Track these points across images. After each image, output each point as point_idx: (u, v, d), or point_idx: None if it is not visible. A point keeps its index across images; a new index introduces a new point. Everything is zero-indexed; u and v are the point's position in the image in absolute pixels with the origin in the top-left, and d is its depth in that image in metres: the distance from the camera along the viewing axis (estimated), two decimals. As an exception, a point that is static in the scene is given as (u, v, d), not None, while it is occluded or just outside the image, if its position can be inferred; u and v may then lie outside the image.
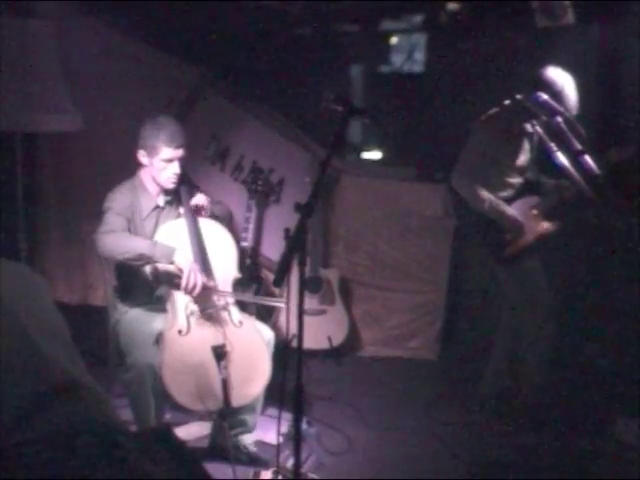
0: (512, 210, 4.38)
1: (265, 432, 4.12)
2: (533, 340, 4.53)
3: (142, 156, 3.86)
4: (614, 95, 4.96)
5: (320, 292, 5.47)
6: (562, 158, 3.91)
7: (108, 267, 4.02)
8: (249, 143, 5.61)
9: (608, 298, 5.12)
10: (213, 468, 3.47)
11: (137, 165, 3.93)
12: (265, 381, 3.73)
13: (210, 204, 4.00)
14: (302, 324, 2.86)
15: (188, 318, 3.64)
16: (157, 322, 3.80)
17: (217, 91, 5.57)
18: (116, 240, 3.65)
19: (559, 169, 3.96)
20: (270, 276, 5.51)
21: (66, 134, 5.07)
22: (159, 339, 3.65)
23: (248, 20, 5.54)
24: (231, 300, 3.81)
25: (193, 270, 3.59)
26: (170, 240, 3.76)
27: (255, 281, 5.31)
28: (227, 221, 4.17)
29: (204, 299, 3.71)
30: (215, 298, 3.74)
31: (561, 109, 3.99)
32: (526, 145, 4.37)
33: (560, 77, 4.15)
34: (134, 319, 3.85)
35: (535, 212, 4.41)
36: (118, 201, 3.83)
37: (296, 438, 2.96)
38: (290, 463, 3.67)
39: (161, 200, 3.95)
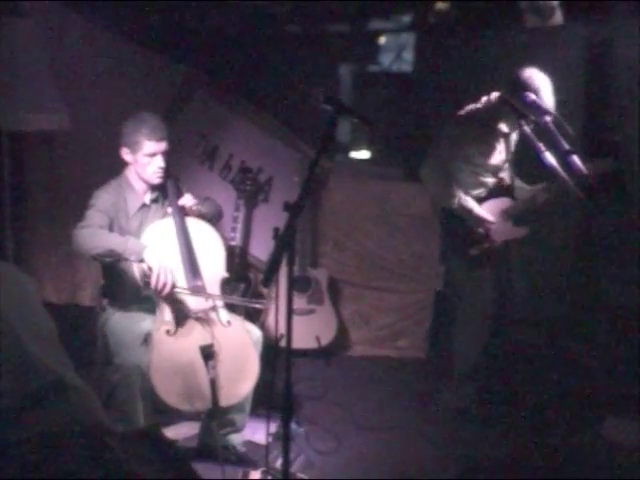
0: (481, 209, 4.39)
1: (254, 432, 4.11)
2: (462, 342, 4.62)
3: (125, 154, 3.86)
4: (602, 95, 4.97)
5: (309, 292, 5.47)
6: (550, 158, 3.91)
7: (96, 267, 4.01)
8: (238, 142, 5.60)
9: (596, 297, 5.13)
10: (202, 468, 3.46)
11: (123, 164, 3.92)
12: (254, 381, 3.72)
13: (197, 205, 3.98)
14: (291, 324, 2.86)
15: (176, 318, 3.63)
16: (145, 322, 3.79)
17: (206, 91, 5.56)
18: (89, 236, 3.64)
19: (547, 169, 3.96)
20: (259, 276, 5.51)
21: (54, 133, 5.05)
22: (147, 339, 3.65)
23: (237, 19, 5.53)
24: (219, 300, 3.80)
25: (163, 269, 3.57)
26: (158, 239, 3.75)
27: (243, 281, 5.30)
28: (217, 218, 4.16)
29: (192, 299, 3.71)
30: (203, 298, 3.73)
31: (549, 109, 4.00)
32: (501, 145, 4.37)
33: (537, 77, 4.15)
34: (122, 319, 3.84)
35: (506, 215, 4.41)
36: (101, 199, 3.82)
37: (285, 438, 2.95)
38: (279, 463, 3.66)
39: (147, 198, 3.95)
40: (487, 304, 4.51)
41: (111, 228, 3.80)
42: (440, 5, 5.83)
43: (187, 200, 3.94)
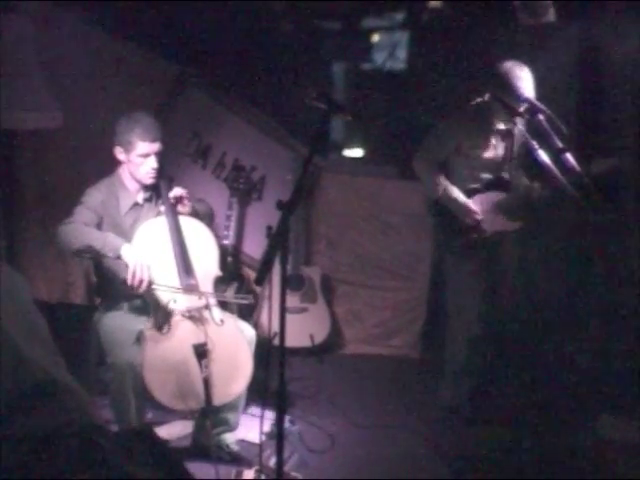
0: (467, 200, 4.40)
1: (247, 431, 4.10)
2: (451, 337, 4.65)
3: (119, 153, 3.85)
4: (595, 93, 4.97)
5: (302, 290, 5.47)
6: (544, 156, 3.92)
7: (88, 265, 4.00)
8: (231, 141, 5.60)
9: (589, 296, 5.13)
10: (195, 467, 3.46)
11: (116, 163, 3.91)
12: (247, 379, 3.72)
13: (189, 195, 3.97)
14: (284, 322, 2.85)
15: (169, 317, 3.62)
16: (138, 321, 3.79)
17: (199, 89, 5.55)
18: (71, 231, 3.64)
19: (541, 167, 3.96)
20: (252, 274, 5.50)
21: (46, 132, 5.02)
22: (140, 338, 3.64)
23: (230, 17, 5.52)
24: (212, 299, 3.80)
25: (139, 266, 3.56)
26: (150, 238, 3.75)
27: (236, 279, 5.30)
28: (209, 219, 4.15)
29: (185, 297, 3.70)
30: (196, 296, 3.73)
31: (543, 107, 4.00)
32: (497, 141, 4.37)
33: (516, 69, 4.17)
34: (115, 318, 3.83)
35: (498, 208, 4.42)
36: (91, 197, 3.83)
37: (278, 437, 2.95)
38: (272, 462, 3.66)
39: (140, 197, 3.94)
40: (476, 298, 4.51)
41: (101, 226, 3.80)
42: (433, 3, 5.82)
43: (178, 191, 3.92)
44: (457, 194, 4.38)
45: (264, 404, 3.31)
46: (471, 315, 4.51)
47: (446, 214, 4.45)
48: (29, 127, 4.70)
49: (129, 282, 3.56)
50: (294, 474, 3.77)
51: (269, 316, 3.23)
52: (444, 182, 4.39)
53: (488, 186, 4.43)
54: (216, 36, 5.54)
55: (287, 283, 2.97)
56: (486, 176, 4.43)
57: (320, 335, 5.46)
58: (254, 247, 5.55)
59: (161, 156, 3.87)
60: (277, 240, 2.85)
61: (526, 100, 4.05)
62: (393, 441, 4.31)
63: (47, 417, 2.57)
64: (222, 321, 3.74)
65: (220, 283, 4.04)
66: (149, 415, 4.01)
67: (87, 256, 3.68)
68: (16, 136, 5.32)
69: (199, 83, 5.55)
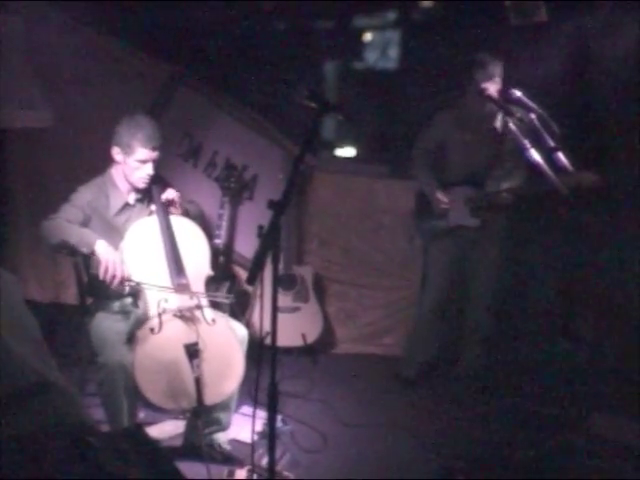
0: (441, 193, 4.70)
1: (239, 430, 4.10)
2: (418, 306, 5.16)
3: (116, 153, 3.84)
4: (586, 92, 4.98)
5: (294, 289, 5.46)
6: (536, 155, 3.92)
7: (79, 265, 3.98)
8: (222, 140, 5.59)
9: (583, 294, 5.14)
10: (187, 467, 3.45)
11: (109, 162, 3.91)
12: (239, 379, 3.72)
13: (180, 198, 3.98)
14: (276, 321, 2.85)
15: (160, 316, 3.61)
16: (129, 320, 3.79)
17: (190, 87, 5.54)
18: (52, 227, 3.67)
19: (532, 166, 3.97)
20: (243, 273, 5.50)
21: (36, 131, 5.02)
22: (131, 338, 3.63)
23: (221, 16, 5.51)
24: (203, 297, 3.79)
25: (111, 261, 3.57)
26: (142, 237, 3.75)
27: (228, 278, 5.29)
28: (199, 220, 4.15)
29: (177, 297, 3.70)
30: (188, 296, 3.72)
31: (534, 106, 4.00)
32: (480, 139, 4.61)
33: (489, 62, 4.50)
34: (106, 317, 3.82)
35: (465, 203, 4.67)
36: (80, 194, 3.85)
37: (270, 436, 2.95)
38: (265, 461, 3.65)
39: (131, 198, 3.94)
40: (439, 280, 4.96)
41: (88, 225, 3.80)
42: (425, 3, 5.81)
43: (170, 193, 3.93)
44: (434, 187, 4.74)
45: (256, 403, 3.29)
46: (433, 292, 4.99)
47: (423, 201, 4.82)
48: (19, 126, 4.70)
49: (101, 277, 3.57)
50: (286, 473, 3.77)
51: (261, 315, 3.22)
52: (426, 175, 4.81)
53: (464, 180, 4.67)
54: (208, 35, 5.53)
55: (279, 282, 2.97)
56: (464, 171, 4.68)
57: (312, 334, 5.46)
58: (246, 246, 5.55)
59: (157, 163, 3.87)
60: (269, 239, 2.84)
61: (519, 99, 4.05)
62: (385, 440, 4.31)
63: (38, 417, 2.56)
64: (214, 320, 3.73)
65: (212, 282, 4.03)
66: (141, 415, 4.00)
67: (64, 252, 3.69)
68: (6, 136, 5.31)
69: (191, 82, 5.54)
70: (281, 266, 5.30)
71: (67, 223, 3.69)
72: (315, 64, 5.97)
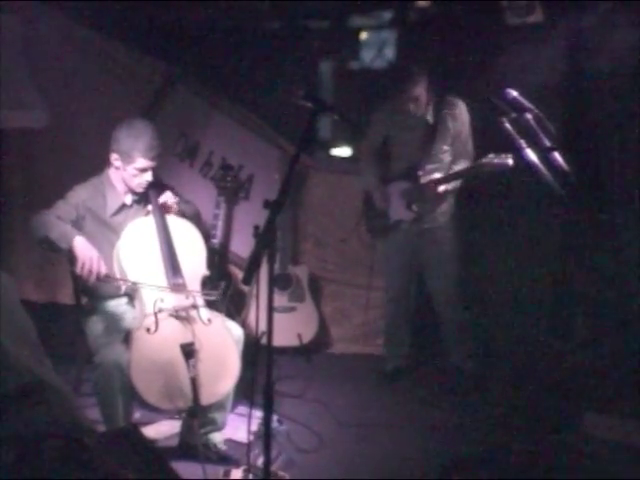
0: (379, 186, 4.85)
1: (235, 430, 4.10)
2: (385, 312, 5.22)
3: (115, 159, 3.84)
4: (582, 92, 4.98)
5: (289, 289, 5.46)
6: (532, 155, 3.92)
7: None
8: (218, 139, 5.59)
9: (577, 293, 5.15)
10: (182, 467, 3.44)
11: (105, 162, 3.90)
12: (234, 379, 3.71)
13: (177, 203, 3.98)
14: (272, 321, 2.85)
15: (156, 316, 3.61)
16: (125, 320, 3.79)
17: (186, 87, 5.54)
18: (38, 221, 3.68)
19: (529, 166, 3.97)
20: (239, 273, 5.49)
21: (32, 131, 5.01)
22: (127, 337, 3.62)
23: (217, 16, 5.51)
24: (199, 297, 3.79)
25: (88, 257, 3.55)
26: (138, 237, 3.75)
27: (224, 278, 5.29)
28: (196, 221, 4.14)
29: (173, 297, 3.69)
30: (184, 296, 3.72)
31: (530, 106, 4.01)
32: (413, 132, 4.71)
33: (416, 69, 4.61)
34: (102, 317, 3.82)
35: (402, 197, 4.73)
36: (75, 193, 3.86)
37: (266, 436, 2.94)
38: (260, 461, 3.65)
39: (128, 199, 3.93)
40: (396, 277, 5.02)
41: (82, 224, 3.81)
42: (421, 3, 5.81)
43: (167, 197, 3.93)
44: (375, 182, 4.85)
45: (252, 403, 3.29)
46: (390, 290, 5.08)
47: (369, 198, 4.93)
48: (14, 126, 4.69)
49: (78, 272, 3.56)
50: (282, 473, 3.77)
51: (257, 315, 3.22)
52: (367, 169, 4.93)
53: (400, 175, 4.75)
54: (203, 35, 5.53)
55: (275, 282, 2.97)
56: (400, 165, 4.77)
57: (308, 334, 5.46)
58: (242, 246, 5.54)
59: (156, 168, 3.88)
60: (264, 239, 2.84)
61: (514, 99, 4.05)
62: (381, 440, 4.31)
63: (33, 418, 2.56)
64: (209, 320, 3.73)
65: (208, 282, 4.03)
66: (136, 415, 3.99)
67: (46, 247, 3.68)
68: (1, 135, 5.31)
69: (186, 82, 5.54)
70: (277, 266, 5.30)
71: (54, 219, 3.68)
72: (311, 64, 5.97)
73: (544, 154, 3.95)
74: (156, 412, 4.04)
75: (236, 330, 3.89)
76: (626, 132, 4.72)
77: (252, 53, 5.56)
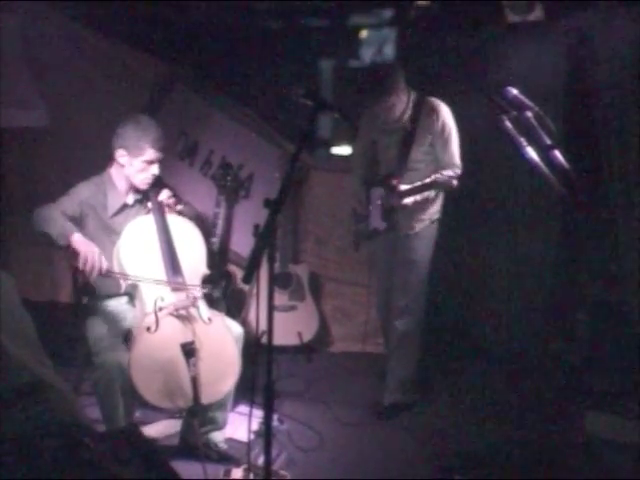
0: (361, 193, 4.70)
1: (236, 429, 4.10)
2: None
3: (121, 156, 3.83)
4: (582, 90, 4.98)
5: (290, 288, 5.46)
6: (532, 153, 3.91)
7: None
8: (218, 138, 5.59)
9: (576, 292, 5.15)
10: (183, 466, 3.45)
11: (106, 161, 3.90)
12: (235, 378, 3.71)
13: (175, 201, 3.97)
14: (272, 320, 2.84)
15: (156, 315, 3.60)
16: (126, 319, 3.78)
17: (186, 86, 5.53)
18: (41, 215, 3.68)
19: (529, 164, 3.97)
20: (239, 272, 5.49)
21: (32, 130, 5.00)
22: (127, 337, 3.62)
23: (217, 15, 5.51)
24: (199, 296, 3.78)
25: (90, 252, 3.55)
26: (138, 236, 3.75)
27: (224, 277, 5.28)
28: (194, 222, 4.13)
29: (173, 295, 3.69)
30: (185, 295, 3.72)
31: (531, 104, 4.00)
32: (389, 137, 4.57)
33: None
34: (102, 317, 3.82)
35: (380, 204, 4.58)
36: (78, 190, 3.86)
37: (267, 435, 2.94)
38: (261, 460, 3.65)
39: (130, 199, 3.93)
40: (381, 281, 4.87)
41: (84, 222, 3.82)
42: (421, 1, 5.80)
43: (164, 195, 3.92)
44: (359, 188, 4.74)
45: (252, 402, 3.29)
46: (378, 293, 4.94)
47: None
48: (15, 125, 4.69)
49: (80, 268, 3.55)
50: (282, 472, 3.77)
51: (257, 314, 3.22)
52: (355, 173, 4.81)
53: (380, 182, 4.59)
54: (203, 34, 5.52)
55: (275, 281, 2.96)
56: (382, 172, 4.63)
57: (308, 333, 5.46)
58: (242, 245, 5.54)
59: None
60: (265, 238, 2.84)
61: (515, 97, 4.05)
62: (381, 439, 4.31)
63: (34, 417, 2.56)
64: (210, 319, 3.72)
65: (208, 281, 4.03)
66: (137, 414, 3.99)
67: (44, 240, 3.66)
68: (2, 134, 5.30)
69: (186, 81, 5.53)
70: (277, 265, 5.30)
71: (56, 214, 3.68)
72: (311, 62, 5.97)
73: (544, 152, 3.94)
74: (156, 411, 4.04)
75: (236, 329, 3.89)
76: (627, 130, 4.72)
77: (252, 52, 5.56)
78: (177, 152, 5.55)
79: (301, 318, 5.46)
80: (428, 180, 4.39)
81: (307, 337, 5.45)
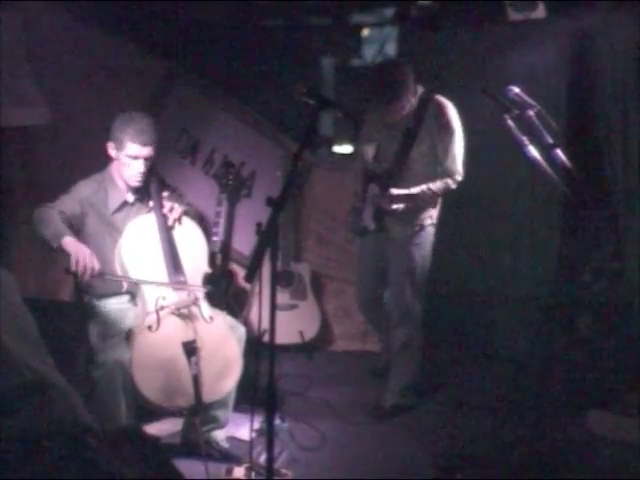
0: (358, 189, 4.57)
1: (237, 428, 4.10)
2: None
3: (111, 148, 3.83)
4: (585, 88, 4.97)
5: (292, 287, 5.46)
6: (534, 152, 3.91)
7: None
8: (220, 137, 5.58)
9: (579, 291, 5.14)
10: (185, 465, 3.44)
11: (107, 159, 3.90)
12: (237, 377, 3.71)
13: (179, 214, 3.95)
14: (274, 319, 2.84)
15: (158, 314, 3.60)
16: (127, 318, 3.79)
17: (187, 85, 5.53)
18: (39, 216, 3.68)
19: (531, 163, 3.96)
20: (241, 271, 5.48)
21: (34, 128, 5.00)
22: (129, 335, 3.62)
23: (219, 13, 5.50)
24: (201, 295, 3.78)
25: (82, 253, 3.54)
26: (140, 235, 3.75)
27: (226, 276, 5.28)
28: (197, 222, 4.13)
29: (174, 294, 3.69)
30: (186, 294, 3.72)
31: (532, 102, 3.99)
32: (388, 138, 4.44)
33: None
34: (104, 315, 3.82)
35: (372, 202, 4.47)
36: (79, 188, 3.86)
37: (268, 434, 2.94)
38: (263, 459, 3.65)
39: (130, 196, 3.92)
40: (364, 279, 4.83)
41: (86, 220, 3.82)
42: (422, 2, 5.80)
43: (172, 207, 3.91)
44: (358, 184, 4.61)
45: (254, 401, 3.29)
46: (359, 290, 4.89)
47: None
48: (16, 123, 4.68)
49: (73, 269, 3.53)
50: (284, 471, 3.77)
51: (259, 313, 3.22)
52: (356, 166, 4.71)
53: (375, 180, 4.49)
54: (205, 32, 5.52)
55: (277, 280, 2.96)
56: (378, 170, 4.49)
57: (310, 332, 5.46)
58: (243, 244, 5.53)
59: (151, 161, 3.85)
60: (267, 237, 2.83)
61: (517, 96, 4.04)
62: (383, 438, 4.31)
63: (36, 416, 2.55)
64: (211, 318, 3.73)
65: (209, 280, 4.02)
66: (139, 412, 3.98)
67: (42, 243, 3.67)
68: (3, 132, 5.30)
69: (188, 79, 5.53)
70: (278, 263, 5.29)
71: (53, 215, 3.68)
72: (313, 61, 5.96)
73: (546, 151, 3.94)
74: (158, 410, 4.03)
75: (238, 328, 3.89)
76: (629, 128, 4.72)
77: (254, 50, 5.55)
78: (179, 150, 5.55)
79: (303, 317, 5.46)
80: (424, 187, 4.31)
81: (309, 336, 5.44)
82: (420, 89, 4.38)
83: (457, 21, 5.33)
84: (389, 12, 6.05)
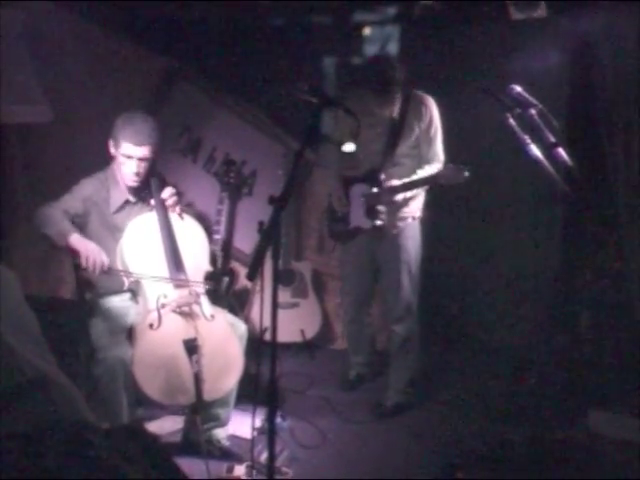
0: (339, 188, 4.52)
1: (238, 426, 4.10)
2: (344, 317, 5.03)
3: (111, 146, 3.85)
4: (586, 87, 4.97)
5: (293, 285, 5.46)
6: (535, 150, 3.91)
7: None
8: (221, 135, 5.58)
9: (580, 290, 5.14)
10: (186, 463, 3.43)
11: (109, 157, 3.91)
12: (238, 375, 3.71)
13: (176, 202, 3.95)
14: (275, 317, 2.84)
15: (159, 311, 3.61)
16: (129, 316, 3.79)
17: (189, 83, 5.53)
18: (42, 216, 3.71)
19: (533, 161, 3.96)
20: (242, 269, 5.48)
21: (36, 126, 5.00)
22: (130, 333, 3.62)
23: (221, 11, 5.50)
24: (202, 293, 3.79)
25: (90, 249, 3.58)
26: (141, 234, 3.75)
27: (227, 274, 5.28)
28: (198, 220, 4.13)
29: (176, 292, 3.69)
30: (187, 292, 3.72)
31: (534, 101, 3.99)
32: (377, 133, 4.40)
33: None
34: (105, 313, 3.82)
35: (362, 202, 4.44)
36: (82, 187, 3.88)
37: (269, 432, 2.94)
38: (264, 457, 3.66)
39: (132, 195, 3.92)
40: (352, 284, 4.80)
41: (88, 219, 3.83)
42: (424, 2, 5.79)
43: (167, 193, 3.91)
44: (336, 184, 4.55)
45: (255, 399, 3.29)
46: (346, 288, 4.86)
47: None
48: (17, 121, 4.68)
49: (84, 265, 3.57)
50: (285, 469, 3.78)
51: (260, 311, 3.22)
52: (331, 168, 4.64)
53: (362, 177, 4.47)
54: (207, 30, 5.52)
55: (278, 278, 2.96)
56: (364, 166, 4.48)
57: (311, 330, 5.46)
58: (245, 242, 5.54)
59: (148, 163, 3.84)
60: (269, 235, 2.83)
61: (519, 95, 4.04)
62: (384, 437, 4.31)
63: (37, 414, 2.56)
64: (212, 316, 3.73)
65: (211, 278, 4.03)
66: (140, 411, 3.99)
67: (47, 241, 3.71)
68: (5, 130, 5.30)
69: (189, 77, 5.53)
70: (280, 262, 5.29)
71: (57, 214, 3.71)
72: (314, 59, 5.95)
73: (548, 150, 3.94)
74: (159, 408, 4.04)
75: (239, 326, 3.90)
76: (630, 128, 4.71)
77: (256, 48, 5.55)
78: (180, 148, 5.55)
79: (304, 315, 5.46)
80: (423, 175, 4.29)
81: (310, 334, 5.45)
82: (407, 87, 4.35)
83: (459, 20, 5.32)
84: (391, 11, 6.03)
